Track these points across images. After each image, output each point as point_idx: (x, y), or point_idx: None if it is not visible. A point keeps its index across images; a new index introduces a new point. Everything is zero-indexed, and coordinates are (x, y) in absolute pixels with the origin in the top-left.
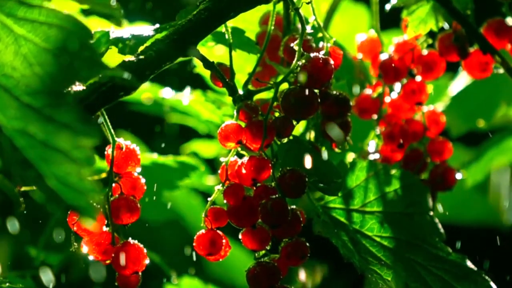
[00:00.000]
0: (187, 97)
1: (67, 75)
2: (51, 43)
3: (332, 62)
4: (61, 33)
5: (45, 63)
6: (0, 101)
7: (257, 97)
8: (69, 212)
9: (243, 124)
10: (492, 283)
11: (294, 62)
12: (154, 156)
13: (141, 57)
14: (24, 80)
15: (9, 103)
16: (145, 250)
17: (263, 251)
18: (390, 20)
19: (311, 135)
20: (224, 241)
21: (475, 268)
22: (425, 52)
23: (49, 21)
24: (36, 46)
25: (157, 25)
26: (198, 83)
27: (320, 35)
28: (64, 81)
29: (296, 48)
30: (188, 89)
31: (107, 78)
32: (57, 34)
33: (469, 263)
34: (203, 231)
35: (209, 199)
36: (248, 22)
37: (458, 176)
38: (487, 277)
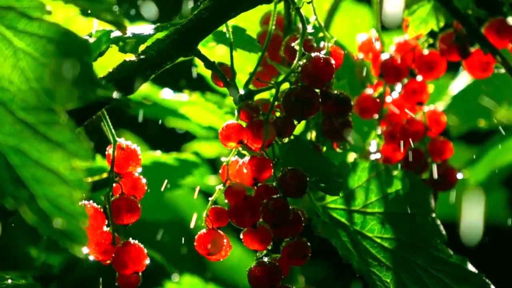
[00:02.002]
0: (186, 99)
1: (62, 92)
2: (49, 58)
3: (333, 61)
4: (60, 48)
5: (41, 78)
6: None
7: (258, 97)
8: None
9: (244, 124)
10: (493, 286)
11: (295, 61)
12: (157, 154)
13: (142, 56)
14: (20, 95)
15: (4, 118)
16: (145, 250)
17: (265, 251)
18: (391, 20)
19: (312, 135)
20: (225, 240)
21: (476, 271)
22: (426, 51)
23: (49, 35)
24: (34, 61)
25: (158, 25)
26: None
27: (321, 34)
28: (59, 98)
29: (297, 47)
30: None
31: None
32: (55, 49)
33: (469, 266)
34: (204, 230)
35: (210, 198)
36: (249, 21)
37: (459, 175)
38: (487, 280)
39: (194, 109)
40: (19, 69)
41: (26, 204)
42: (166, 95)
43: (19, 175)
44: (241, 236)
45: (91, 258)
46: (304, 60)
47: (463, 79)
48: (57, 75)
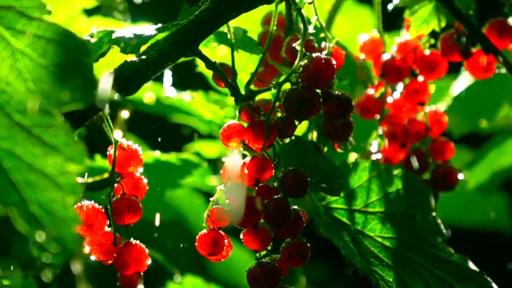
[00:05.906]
0: (189, 97)
1: (60, 93)
2: (48, 59)
3: (334, 62)
4: (58, 49)
5: (39, 80)
6: None
7: (259, 97)
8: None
9: (245, 124)
10: (494, 285)
11: (296, 62)
12: (157, 154)
13: (143, 57)
14: (17, 96)
15: (0, 121)
16: (147, 250)
17: (264, 251)
18: (393, 22)
19: (313, 135)
20: (226, 241)
21: (477, 269)
22: (427, 52)
23: (48, 36)
24: (32, 61)
25: (159, 25)
26: (200, 83)
27: (322, 35)
28: (56, 100)
29: (298, 48)
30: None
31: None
32: (54, 50)
33: (471, 264)
34: (205, 231)
35: (211, 199)
36: (250, 22)
37: (460, 176)
38: (489, 278)
39: (197, 106)
40: (17, 70)
41: (17, 210)
42: (168, 93)
43: (11, 179)
44: (241, 236)
45: (93, 258)
46: (305, 61)
47: (464, 80)
48: (55, 76)
